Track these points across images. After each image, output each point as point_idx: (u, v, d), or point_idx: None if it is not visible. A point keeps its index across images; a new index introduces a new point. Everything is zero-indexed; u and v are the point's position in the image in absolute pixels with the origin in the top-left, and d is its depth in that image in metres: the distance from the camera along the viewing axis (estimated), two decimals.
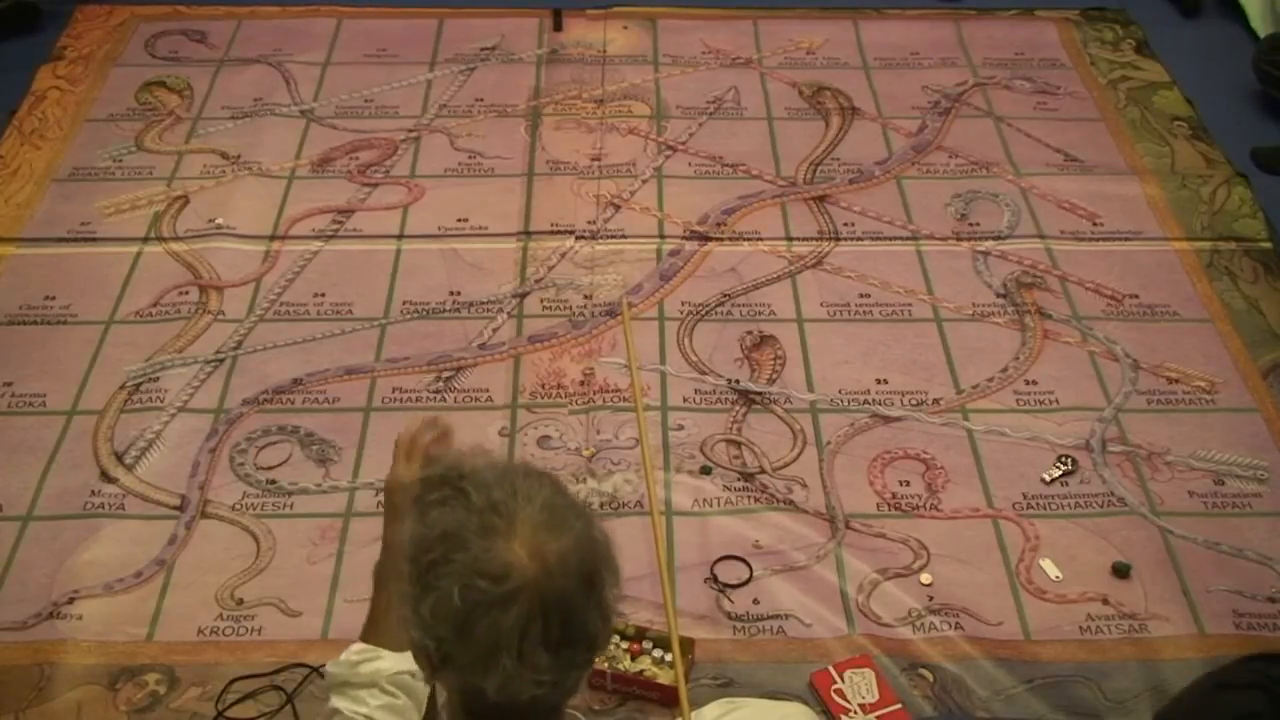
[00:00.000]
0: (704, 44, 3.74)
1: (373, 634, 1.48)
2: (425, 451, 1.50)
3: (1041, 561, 2.32)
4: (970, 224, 3.11)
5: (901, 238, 3.06)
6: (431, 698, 1.43)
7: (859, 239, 3.06)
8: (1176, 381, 2.69)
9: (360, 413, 2.59)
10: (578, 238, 3.04)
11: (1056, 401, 2.64)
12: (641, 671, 2.08)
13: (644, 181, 3.22)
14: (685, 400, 2.63)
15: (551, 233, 3.06)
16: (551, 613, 1.09)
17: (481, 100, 3.50)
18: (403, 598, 1.15)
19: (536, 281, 2.92)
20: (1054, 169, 3.29)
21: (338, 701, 1.44)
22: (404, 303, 2.86)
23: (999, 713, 2.08)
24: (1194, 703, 1.81)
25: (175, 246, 3.00)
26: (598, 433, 2.55)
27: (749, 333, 2.79)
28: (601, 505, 2.39)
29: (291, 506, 2.42)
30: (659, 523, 2.30)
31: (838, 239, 3.05)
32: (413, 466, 1.49)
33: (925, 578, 2.28)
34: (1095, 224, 3.11)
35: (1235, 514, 2.42)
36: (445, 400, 2.61)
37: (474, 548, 1.10)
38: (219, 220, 3.07)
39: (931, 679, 2.12)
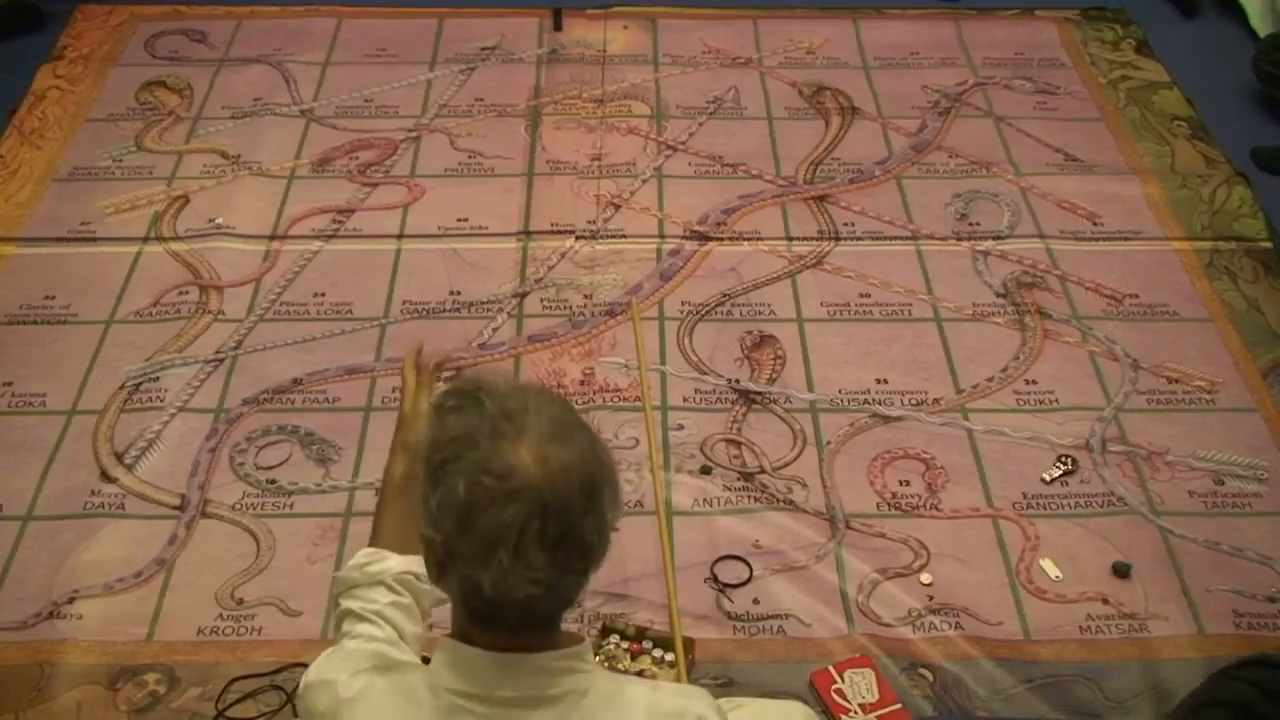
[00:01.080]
0: (704, 44, 3.74)
1: (377, 544, 1.56)
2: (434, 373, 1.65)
3: (1041, 561, 2.32)
4: (970, 224, 3.11)
5: (901, 238, 3.06)
6: None
7: (859, 239, 3.06)
8: (1176, 381, 2.69)
9: (360, 413, 2.60)
10: (578, 238, 3.04)
11: (1056, 401, 2.64)
12: (641, 671, 2.08)
13: (644, 181, 3.22)
14: (685, 400, 2.63)
15: (551, 233, 3.06)
16: (550, 514, 1.16)
17: (481, 100, 3.50)
18: (415, 497, 1.22)
19: (536, 281, 2.92)
20: (1054, 169, 3.29)
21: (348, 603, 1.49)
22: (404, 303, 2.86)
23: (999, 713, 2.08)
24: (1192, 701, 1.82)
25: (175, 246, 3.00)
26: (598, 432, 2.54)
27: (749, 332, 2.79)
28: None
29: (291, 506, 2.42)
30: (664, 524, 2.29)
31: (838, 239, 3.05)
32: (411, 398, 1.63)
33: (925, 577, 2.28)
34: (1095, 224, 3.11)
35: (1235, 514, 2.42)
36: None
37: (483, 448, 1.17)
38: (219, 220, 3.07)
39: (931, 679, 2.12)
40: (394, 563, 1.51)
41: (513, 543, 1.15)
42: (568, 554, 1.17)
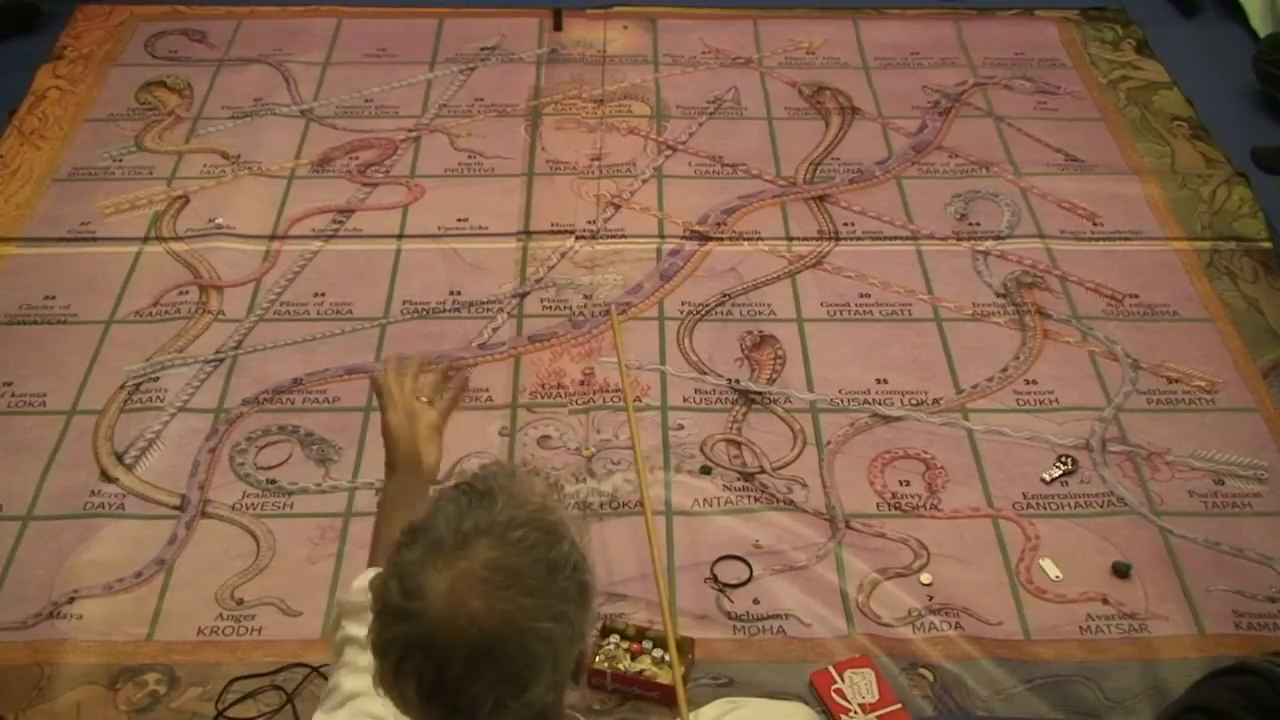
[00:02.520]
0: (704, 44, 3.74)
1: (377, 564, 1.48)
2: (419, 389, 1.59)
3: (1041, 561, 2.32)
4: (970, 224, 3.11)
5: (901, 238, 3.06)
6: None
7: (859, 239, 3.06)
8: (1176, 381, 2.69)
9: (360, 413, 2.59)
10: (578, 237, 3.04)
11: (1056, 401, 2.64)
12: (641, 671, 2.08)
13: (644, 181, 3.22)
14: (685, 400, 2.63)
15: (551, 232, 3.06)
16: (431, 658, 1.05)
17: (481, 100, 3.50)
18: None
19: (536, 281, 2.92)
20: (1054, 169, 3.29)
21: (354, 629, 1.43)
22: (404, 302, 2.86)
23: (999, 713, 2.08)
24: (1171, 710, 1.82)
25: (175, 246, 3.00)
26: (598, 432, 2.55)
27: (749, 333, 2.79)
28: (601, 505, 2.40)
29: (291, 506, 2.42)
30: (654, 527, 2.29)
31: (838, 239, 3.05)
32: (399, 410, 1.56)
33: (925, 577, 2.28)
34: (1095, 224, 3.11)
35: (1235, 514, 2.42)
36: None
37: (416, 552, 1.08)
38: (219, 220, 3.07)
39: (931, 679, 2.12)
40: None
41: (392, 664, 1.06)
42: (443, 710, 1.06)
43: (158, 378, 2.66)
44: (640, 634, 2.13)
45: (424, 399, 1.62)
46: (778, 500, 2.42)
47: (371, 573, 1.42)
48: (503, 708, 1.06)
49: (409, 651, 1.06)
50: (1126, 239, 3.07)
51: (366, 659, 1.37)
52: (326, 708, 1.37)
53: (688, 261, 2.98)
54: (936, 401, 2.64)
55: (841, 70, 3.65)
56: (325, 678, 1.50)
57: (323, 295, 2.88)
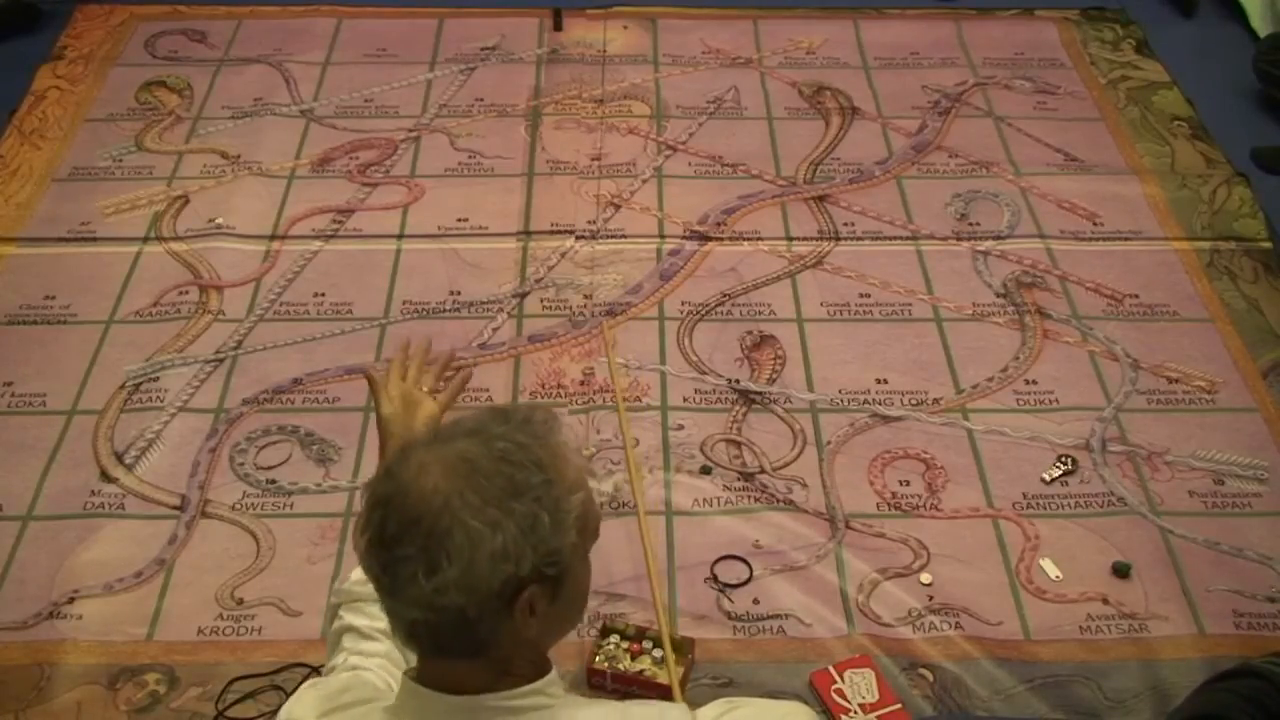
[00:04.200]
0: (704, 44, 3.74)
1: None
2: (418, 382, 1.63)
3: (1041, 561, 2.32)
4: (970, 224, 3.11)
5: (901, 238, 3.06)
6: None
7: (859, 239, 3.06)
8: (1176, 381, 2.69)
9: (360, 413, 2.59)
10: (578, 237, 3.04)
11: (1056, 401, 2.64)
12: (641, 671, 2.08)
13: (644, 181, 3.22)
14: (685, 400, 2.63)
15: (551, 232, 3.06)
16: (384, 516, 1.17)
17: (481, 100, 3.50)
18: None
19: (536, 281, 2.92)
20: (1054, 169, 3.29)
21: (351, 618, 1.47)
22: (404, 303, 2.86)
23: (999, 713, 2.08)
24: (1178, 716, 1.82)
25: (175, 246, 3.00)
26: (598, 432, 2.55)
27: (749, 333, 2.79)
28: (601, 505, 2.39)
29: (291, 506, 2.42)
30: (646, 532, 2.29)
31: (838, 239, 3.05)
32: (393, 394, 1.59)
33: (925, 577, 2.28)
34: (1095, 224, 3.11)
35: (1235, 514, 2.42)
36: None
37: (427, 436, 1.24)
38: (219, 220, 3.07)
39: (931, 679, 2.12)
40: None
41: (365, 513, 1.20)
42: (380, 564, 1.18)
43: (158, 378, 2.66)
44: (640, 634, 2.13)
45: (425, 389, 1.62)
46: (778, 500, 2.42)
47: None
48: (414, 580, 1.15)
49: (375, 504, 1.19)
50: (1126, 239, 3.07)
51: (368, 645, 1.41)
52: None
53: (688, 261, 2.98)
54: (936, 401, 2.64)
55: (841, 70, 3.65)
56: (334, 595, 1.52)
57: (323, 295, 2.88)
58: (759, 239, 3.05)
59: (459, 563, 1.14)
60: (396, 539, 1.16)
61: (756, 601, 2.24)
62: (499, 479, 1.16)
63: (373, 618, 1.46)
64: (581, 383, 2.66)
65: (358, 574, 1.48)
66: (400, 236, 3.05)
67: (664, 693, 2.04)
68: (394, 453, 1.23)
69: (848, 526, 2.37)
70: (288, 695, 2.06)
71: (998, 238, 3.07)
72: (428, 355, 1.68)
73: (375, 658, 1.42)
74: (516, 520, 1.15)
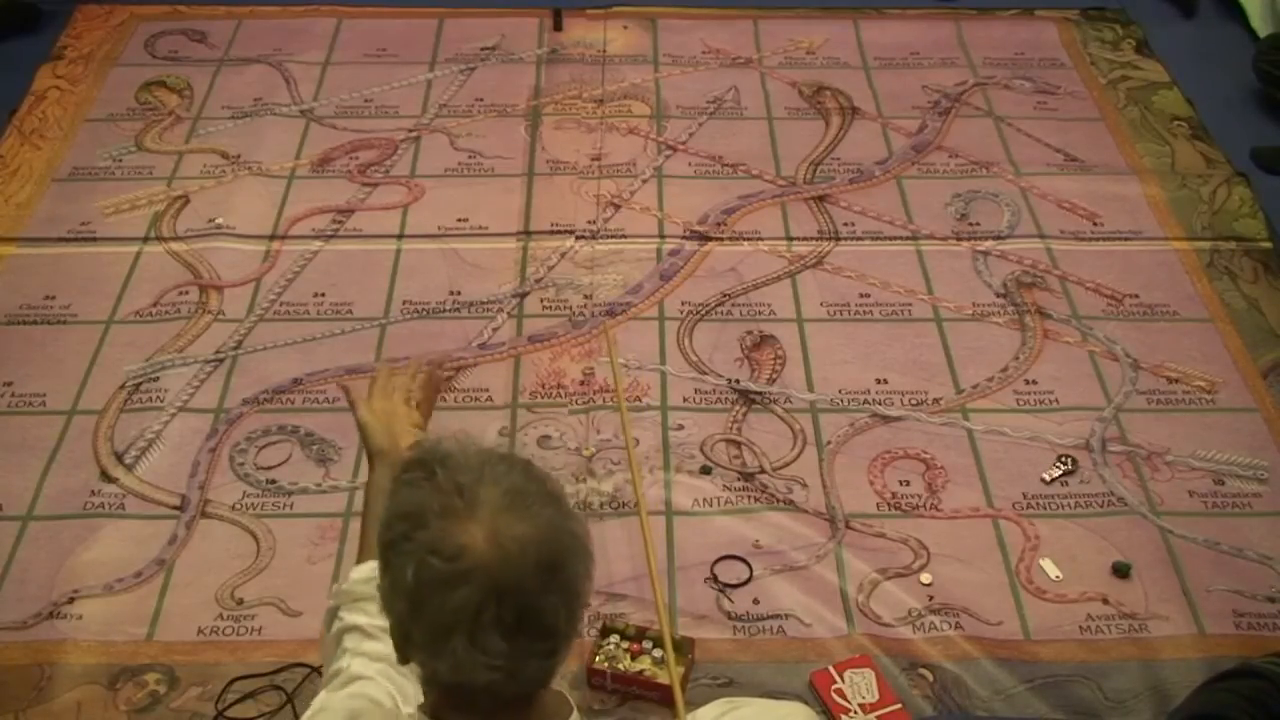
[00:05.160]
0: (704, 44, 3.74)
1: (365, 558, 1.51)
2: (405, 394, 1.63)
3: (1041, 561, 2.32)
4: (970, 224, 3.11)
5: (901, 238, 3.06)
6: None
7: (859, 239, 3.06)
8: (1176, 381, 2.69)
9: None
10: (578, 237, 3.04)
11: (1056, 401, 2.64)
12: (641, 671, 2.08)
13: (644, 181, 3.22)
14: (685, 400, 2.63)
15: (551, 232, 3.06)
16: (505, 596, 1.09)
17: (481, 100, 3.50)
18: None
19: (536, 281, 2.92)
20: (1054, 169, 3.29)
21: (353, 617, 1.44)
22: (404, 303, 2.86)
23: (999, 713, 2.08)
24: (1178, 716, 1.82)
25: (175, 246, 3.00)
26: (598, 432, 2.55)
27: (749, 333, 2.79)
28: (601, 505, 2.40)
29: (291, 506, 2.42)
30: (648, 532, 2.29)
31: (838, 239, 3.05)
32: (375, 406, 1.61)
33: (925, 577, 2.28)
34: (1095, 224, 3.11)
35: (1235, 514, 2.42)
36: (445, 400, 2.60)
37: (433, 527, 1.11)
38: (219, 220, 3.07)
39: (931, 679, 2.12)
40: None
41: (466, 629, 1.09)
42: (529, 638, 1.10)
43: (158, 378, 2.66)
44: (640, 634, 2.13)
45: (412, 402, 1.65)
46: (778, 500, 2.42)
47: (369, 566, 1.44)
48: (571, 615, 1.12)
49: (482, 607, 1.08)
50: (1126, 239, 3.07)
51: (371, 645, 1.39)
52: (331, 689, 1.38)
53: (688, 261, 2.98)
54: (936, 401, 2.64)
55: (841, 70, 3.65)
56: (333, 596, 1.51)
57: (323, 295, 2.88)
58: (759, 239, 3.05)
59: (583, 561, 1.14)
60: (540, 594, 1.11)
61: (756, 601, 2.24)
62: (539, 485, 1.17)
63: (375, 616, 1.45)
64: (581, 383, 2.66)
65: (357, 574, 1.48)
66: (400, 236, 3.05)
67: (664, 693, 2.04)
68: (436, 566, 1.11)
69: (848, 526, 2.37)
70: (288, 695, 2.06)
71: (998, 238, 3.07)
72: (419, 370, 1.70)
73: (379, 662, 1.41)
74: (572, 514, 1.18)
